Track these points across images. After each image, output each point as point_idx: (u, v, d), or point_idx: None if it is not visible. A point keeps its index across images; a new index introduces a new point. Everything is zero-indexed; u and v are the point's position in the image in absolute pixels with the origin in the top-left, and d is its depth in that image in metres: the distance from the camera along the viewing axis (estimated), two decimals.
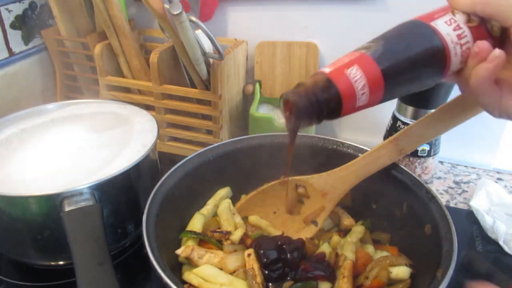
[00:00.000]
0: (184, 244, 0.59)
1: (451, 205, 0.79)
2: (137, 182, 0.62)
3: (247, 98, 0.95)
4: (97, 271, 0.47)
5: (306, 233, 0.63)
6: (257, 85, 0.92)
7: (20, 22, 0.89)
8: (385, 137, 0.84)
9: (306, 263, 0.55)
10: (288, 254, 0.54)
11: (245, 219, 0.65)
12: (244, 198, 0.68)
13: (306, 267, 0.54)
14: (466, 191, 0.83)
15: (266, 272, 0.53)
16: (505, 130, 0.85)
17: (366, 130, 0.95)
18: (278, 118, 0.88)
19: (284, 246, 0.55)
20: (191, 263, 0.56)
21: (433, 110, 0.75)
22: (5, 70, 0.87)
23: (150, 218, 0.53)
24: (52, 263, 0.61)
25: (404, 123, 0.79)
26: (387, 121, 0.84)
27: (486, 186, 0.78)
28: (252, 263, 0.53)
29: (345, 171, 0.62)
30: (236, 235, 0.59)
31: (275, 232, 0.62)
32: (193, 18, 0.71)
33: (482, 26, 0.41)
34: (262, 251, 0.54)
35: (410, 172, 0.60)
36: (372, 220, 0.64)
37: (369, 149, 0.65)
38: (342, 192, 0.62)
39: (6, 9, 0.86)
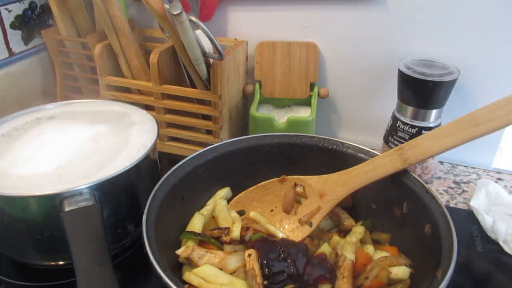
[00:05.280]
0: (184, 244, 0.59)
1: (451, 205, 0.79)
2: (137, 182, 0.62)
3: (247, 98, 0.95)
4: (97, 271, 0.47)
5: (300, 233, 0.63)
6: (257, 85, 0.92)
7: (20, 22, 0.89)
8: (385, 137, 0.84)
9: (309, 266, 0.54)
10: (292, 268, 0.53)
11: (241, 212, 0.65)
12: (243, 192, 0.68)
13: (309, 272, 0.54)
14: (466, 191, 0.83)
15: (266, 283, 0.52)
16: (504, 131, 0.85)
17: (366, 130, 0.96)
18: (278, 118, 0.88)
19: (289, 260, 0.54)
20: (191, 263, 0.56)
21: (433, 110, 0.77)
22: (5, 70, 0.87)
23: (150, 218, 0.53)
24: (52, 263, 0.61)
25: (404, 123, 0.79)
26: (387, 121, 0.84)
27: (486, 186, 0.78)
28: (253, 263, 0.53)
29: (346, 175, 0.62)
30: (236, 232, 0.59)
31: (273, 229, 0.62)
32: (193, 18, 0.71)
33: None
34: (265, 261, 0.54)
35: (410, 172, 0.60)
36: (372, 220, 0.64)
37: (369, 149, 0.65)
38: (340, 195, 0.61)
39: (6, 9, 0.86)
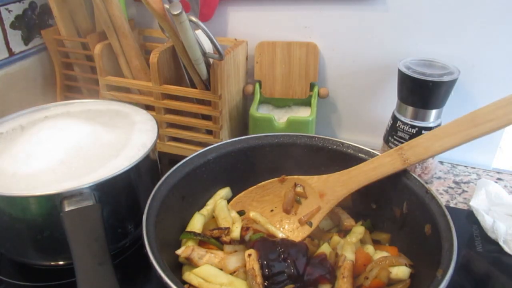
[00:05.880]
0: (184, 244, 0.59)
1: (451, 205, 0.79)
2: (137, 182, 0.62)
3: (247, 98, 0.95)
4: (97, 271, 0.47)
5: (300, 233, 0.63)
6: (257, 85, 0.92)
7: (20, 22, 0.89)
8: (385, 137, 0.84)
9: (309, 266, 0.54)
10: (292, 268, 0.53)
11: (241, 212, 0.66)
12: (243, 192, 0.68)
13: (309, 272, 0.54)
14: (466, 191, 0.83)
15: (266, 283, 0.52)
16: (504, 131, 0.85)
17: (366, 130, 0.96)
18: (278, 118, 0.88)
19: (289, 261, 0.54)
20: (191, 263, 0.56)
21: (433, 110, 0.77)
22: (5, 70, 0.87)
23: (150, 218, 0.53)
24: (52, 263, 0.61)
25: (404, 123, 0.79)
26: (387, 121, 0.84)
27: (486, 186, 0.78)
28: (253, 263, 0.53)
29: (346, 175, 0.62)
30: (236, 232, 0.59)
31: (273, 229, 0.62)
32: (193, 18, 0.71)
33: None
34: (265, 262, 0.53)
35: (410, 172, 0.60)
36: (372, 220, 0.64)
37: (369, 149, 0.65)
38: (340, 195, 0.62)
39: (6, 9, 0.85)
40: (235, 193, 0.69)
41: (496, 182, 0.82)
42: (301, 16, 0.88)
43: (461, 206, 0.79)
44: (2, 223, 0.57)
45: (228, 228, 0.60)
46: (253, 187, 0.68)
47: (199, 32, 0.76)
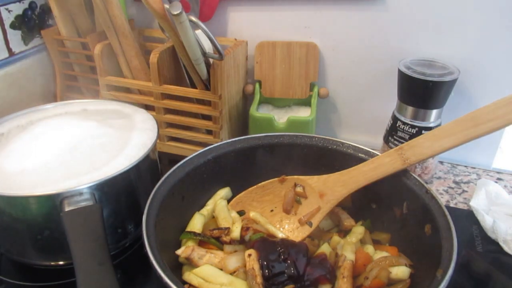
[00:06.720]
0: (184, 244, 0.59)
1: (451, 205, 0.79)
2: (137, 182, 0.62)
3: (247, 98, 0.95)
4: (97, 271, 0.47)
5: (300, 233, 0.63)
6: (257, 85, 0.92)
7: (20, 22, 0.89)
8: (385, 137, 0.84)
9: (309, 266, 0.54)
10: (292, 269, 0.53)
11: (241, 212, 0.66)
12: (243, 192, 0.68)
13: (310, 272, 0.54)
14: (466, 191, 0.83)
15: (267, 284, 0.52)
16: (504, 131, 0.85)
17: (366, 130, 0.96)
18: (278, 118, 0.88)
19: (289, 261, 0.54)
20: (191, 263, 0.56)
21: (433, 110, 0.77)
22: (5, 70, 0.87)
23: (150, 218, 0.53)
24: (52, 263, 0.61)
25: (404, 123, 0.79)
26: (387, 121, 0.84)
27: (486, 186, 0.78)
28: (253, 263, 0.53)
29: (346, 175, 0.62)
30: (236, 232, 0.59)
31: (273, 229, 0.62)
32: (193, 18, 0.71)
33: None
34: (265, 263, 0.53)
35: (410, 172, 0.60)
36: (372, 220, 0.64)
37: (369, 149, 0.65)
38: (340, 195, 0.62)
39: (6, 9, 0.85)
40: (235, 193, 0.69)
41: (496, 182, 0.82)
42: (301, 16, 0.88)
43: (461, 206, 0.79)
44: (2, 223, 0.57)
45: (228, 228, 0.60)
46: (253, 187, 0.68)
47: (199, 32, 0.76)
